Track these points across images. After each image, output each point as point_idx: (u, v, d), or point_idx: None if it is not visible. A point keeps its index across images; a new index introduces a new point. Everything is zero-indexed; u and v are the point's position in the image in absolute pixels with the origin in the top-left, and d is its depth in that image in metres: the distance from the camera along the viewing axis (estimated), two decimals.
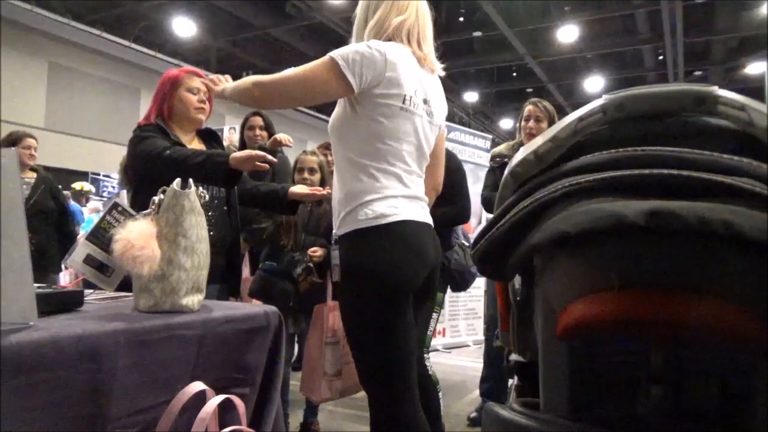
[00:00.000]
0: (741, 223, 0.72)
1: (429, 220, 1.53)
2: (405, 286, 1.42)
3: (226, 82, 1.67)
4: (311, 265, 2.43)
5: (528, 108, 2.88)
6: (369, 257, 1.41)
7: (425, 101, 1.51)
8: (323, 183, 2.58)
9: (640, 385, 0.91)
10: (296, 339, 2.81)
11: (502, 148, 3.06)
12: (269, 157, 1.81)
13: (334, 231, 1.56)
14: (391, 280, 1.40)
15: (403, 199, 1.46)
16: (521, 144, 2.87)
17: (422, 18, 1.55)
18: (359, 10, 1.57)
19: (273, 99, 1.47)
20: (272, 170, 2.91)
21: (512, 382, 1.24)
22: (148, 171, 1.88)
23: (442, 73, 1.60)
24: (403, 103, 1.44)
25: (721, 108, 0.84)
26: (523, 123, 2.91)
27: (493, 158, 3.08)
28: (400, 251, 1.41)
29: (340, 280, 1.47)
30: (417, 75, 1.48)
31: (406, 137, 1.47)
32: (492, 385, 2.99)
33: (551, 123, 2.81)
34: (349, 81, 1.38)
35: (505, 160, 2.84)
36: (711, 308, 0.78)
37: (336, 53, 1.40)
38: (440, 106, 1.59)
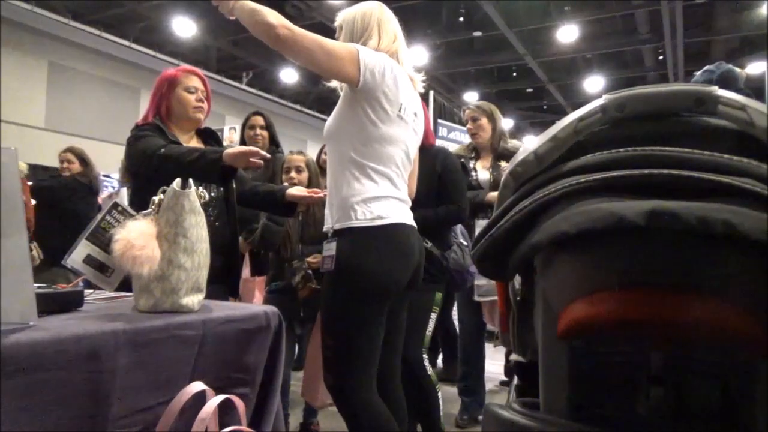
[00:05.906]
0: (741, 223, 0.72)
1: (414, 223, 1.68)
2: (392, 287, 1.55)
3: None
4: (310, 272, 2.44)
5: (465, 114, 3.11)
6: (364, 255, 1.51)
7: (415, 114, 1.70)
8: (311, 182, 2.57)
9: (640, 386, 0.91)
10: (296, 339, 2.81)
11: (458, 150, 3.24)
12: (263, 153, 1.81)
13: (329, 225, 1.61)
14: (381, 280, 1.52)
15: (395, 201, 1.59)
16: (474, 147, 3.11)
17: (402, 38, 1.73)
18: (343, 36, 1.68)
19: (296, 45, 1.47)
20: (272, 170, 2.91)
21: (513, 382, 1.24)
22: (144, 170, 1.88)
23: (422, 90, 1.79)
24: (399, 111, 1.61)
25: (721, 108, 0.84)
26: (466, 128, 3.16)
27: None
28: (392, 253, 1.54)
29: (333, 271, 1.53)
30: (410, 92, 1.68)
31: (399, 143, 1.61)
32: (470, 383, 3.01)
33: (490, 117, 3.02)
34: (360, 71, 1.51)
35: (462, 161, 2.94)
36: (711, 308, 0.78)
37: (360, 47, 1.56)
38: (421, 121, 1.77)
